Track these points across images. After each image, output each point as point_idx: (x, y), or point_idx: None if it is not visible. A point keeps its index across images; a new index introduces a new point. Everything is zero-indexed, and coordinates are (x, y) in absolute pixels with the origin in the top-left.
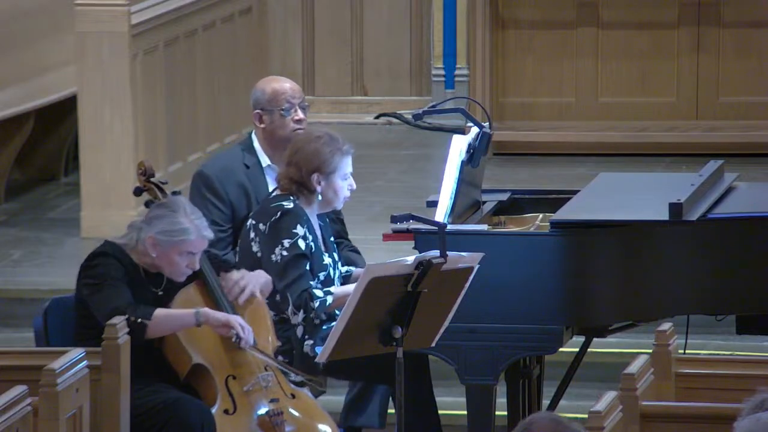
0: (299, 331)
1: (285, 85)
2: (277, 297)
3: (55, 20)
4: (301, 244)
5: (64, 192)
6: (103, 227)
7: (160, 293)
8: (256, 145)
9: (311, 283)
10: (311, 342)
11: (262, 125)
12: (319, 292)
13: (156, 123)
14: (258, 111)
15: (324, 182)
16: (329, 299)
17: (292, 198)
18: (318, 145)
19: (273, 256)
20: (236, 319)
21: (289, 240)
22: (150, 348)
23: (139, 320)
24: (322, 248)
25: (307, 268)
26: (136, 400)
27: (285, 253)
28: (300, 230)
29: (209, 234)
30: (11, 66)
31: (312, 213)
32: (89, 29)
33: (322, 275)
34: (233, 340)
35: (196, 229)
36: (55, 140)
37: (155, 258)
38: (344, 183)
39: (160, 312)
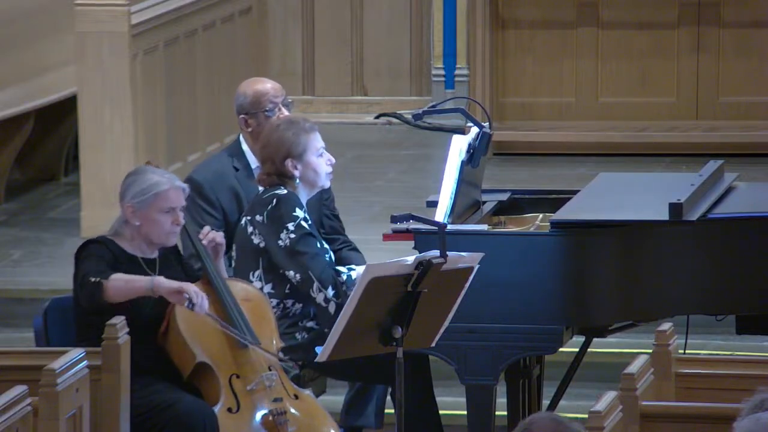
0: (331, 308)
1: (266, 85)
2: (297, 277)
3: (55, 20)
4: (305, 225)
5: (64, 192)
6: (103, 227)
7: None
8: (245, 147)
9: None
10: None
11: (249, 129)
12: (342, 268)
13: (156, 123)
14: (243, 116)
15: (299, 165)
16: (353, 274)
17: (282, 187)
18: (279, 133)
19: (279, 241)
20: (189, 286)
21: (292, 223)
22: (153, 347)
23: (96, 279)
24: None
25: (319, 246)
26: (138, 400)
27: (293, 235)
28: (300, 213)
29: (182, 184)
30: (11, 66)
31: (303, 200)
32: (89, 29)
33: (326, 257)
34: (186, 305)
35: (168, 181)
36: (55, 140)
37: (140, 227)
38: (320, 159)
39: (117, 275)
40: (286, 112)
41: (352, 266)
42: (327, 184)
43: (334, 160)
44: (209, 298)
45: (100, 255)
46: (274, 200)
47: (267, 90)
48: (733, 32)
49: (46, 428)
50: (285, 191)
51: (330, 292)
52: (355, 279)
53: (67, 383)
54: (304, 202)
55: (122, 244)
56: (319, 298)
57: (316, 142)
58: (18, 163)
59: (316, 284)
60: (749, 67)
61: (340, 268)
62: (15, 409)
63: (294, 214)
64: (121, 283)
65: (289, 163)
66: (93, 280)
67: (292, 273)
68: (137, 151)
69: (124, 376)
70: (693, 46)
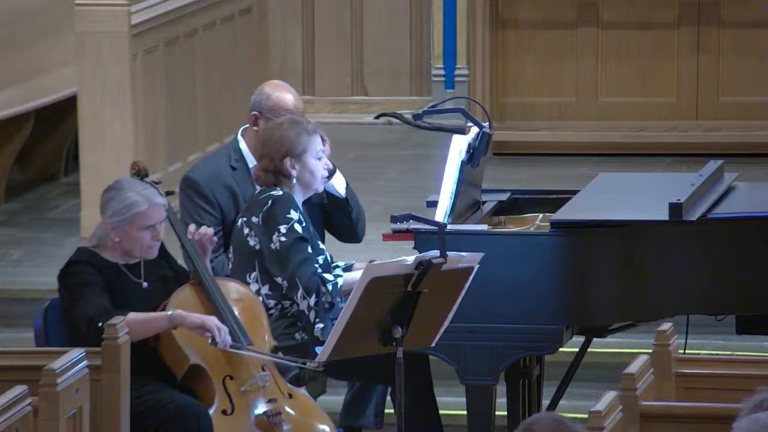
0: (311, 315)
1: (289, 98)
2: (285, 283)
3: (55, 20)
4: (298, 227)
5: (64, 192)
6: None
7: (144, 285)
8: (243, 146)
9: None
10: (321, 325)
11: (256, 128)
12: (329, 276)
13: (156, 123)
14: (255, 113)
15: (297, 165)
16: (340, 282)
17: (278, 188)
18: (282, 131)
19: (271, 244)
20: (212, 321)
21: (285, 225)
22: (147, 348)
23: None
24: (315, 236)
25: (309, 251)
26: (133, 401)
27: (283, 238)
28: (294, 215)
29: (161, 200)
30: (11, 66)
31: (298, 201)
32: (89, 29)
33: (320, 259)
34: (209, 342)
35: (145, 199)
36: (55, 140)
37: (120, 242)
38: (318, 163)
39: (132, 316)
40: None
41: (340, 273)
42: (321, 188)
43: (331, 166)
44: (200, 298)
45: (90, 282)
46: (270, 201)
47: (288, 105)
48: (733, 32)
49: (46, 428)
50: (281, 192)
51: (313, 300)
52: (341, 287)
53: (67, 383)
54: (299, 203)
55: (104, 254)
56: (303, 305)
57: (317, 144)
58: (18, 163)
59: (301, 291)
60: (749, 67)
61: (327, 276)
62: (15, 409)
63: (288, 216)
64: (137, 325)
65: (287, 162)
66: (104, 325)
67: (279, 279)
68: (137, 151)
69: (124, 376)
70: (693, 46)
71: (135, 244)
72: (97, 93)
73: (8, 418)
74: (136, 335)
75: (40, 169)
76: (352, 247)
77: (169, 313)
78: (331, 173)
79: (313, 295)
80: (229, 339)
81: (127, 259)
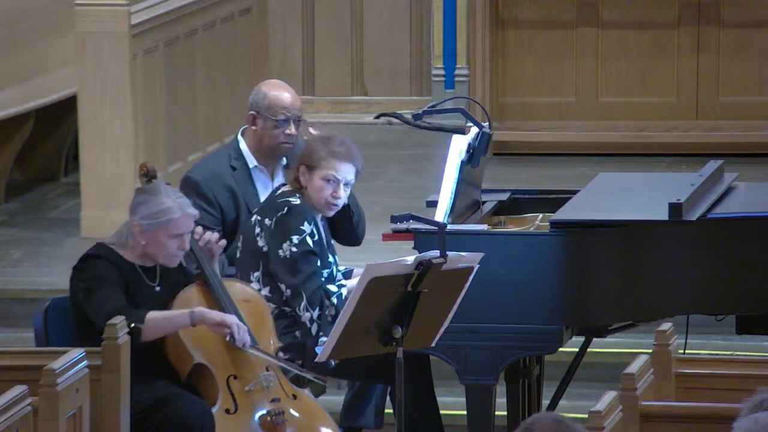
0: (314, 328)
1: (286, 96)
2: (288, 292)
3: (55, 20)
4: (309, 241)
5: (64, 192)
6: (103, 227)
7: (157, 288)
8: (243, 146)
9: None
10: (325, 339)
11: (254, 127)
12: (333, 287)
13: (156, 123)
14: (253, 112)
15: (306, 176)
16: (344, 291)
17: (298, 195)
18: (314, 142)
19: (281, 251)
20: (232, 319)
21: (297, 237)
22: (151, 347)
23: (133, 325)
24: (326, 247)
25: (318, 264)
26: (135, 396)
27: (294, 249)
28: (307, 227)
29: (193, 211)
30: (11, 66)
31: (317, 211)
32: (89, 29)
33: (325, 272)
34: (227, 339)
35: (179, 208)
36: (55, 140)
37: (145, 246)
38: (326, 185)
39: (153, 314)
40: (293, 130)
41: (343, 282)
42: (326, 213)
43: (340, 196)
44: (206, 298)
45: (108, 277)
46: (286, 208)
47: (285, 103)
48: (733, 32)
49: (46, 428)
50: (299, 202)
51: (316, 313)
52: (346, 296)
53: (67, 383)
54: (318, 216)
55: (122, 253)
56: (305, 317)
57: (332, 169)
58: (18, 163)
59: (304, 303)
60: (749, 67)
61: (331, 288)
62: (15, 409)
63: (301, 227)
64: (158, 323)
65: (301, 169)
66: (128, 325)
67: (283, 287)
68: (137, 152)
69: (124, 376)
70: (693, 46)
71: (161, 251)
72: (97, 93)
73: (8, 418)
74: (157, 333)
75: (40, 169)
76: (352, 247)
77: (190, 310)
78: None
79: (317, 308)
80: (248, 338)
81: (144, 261)
